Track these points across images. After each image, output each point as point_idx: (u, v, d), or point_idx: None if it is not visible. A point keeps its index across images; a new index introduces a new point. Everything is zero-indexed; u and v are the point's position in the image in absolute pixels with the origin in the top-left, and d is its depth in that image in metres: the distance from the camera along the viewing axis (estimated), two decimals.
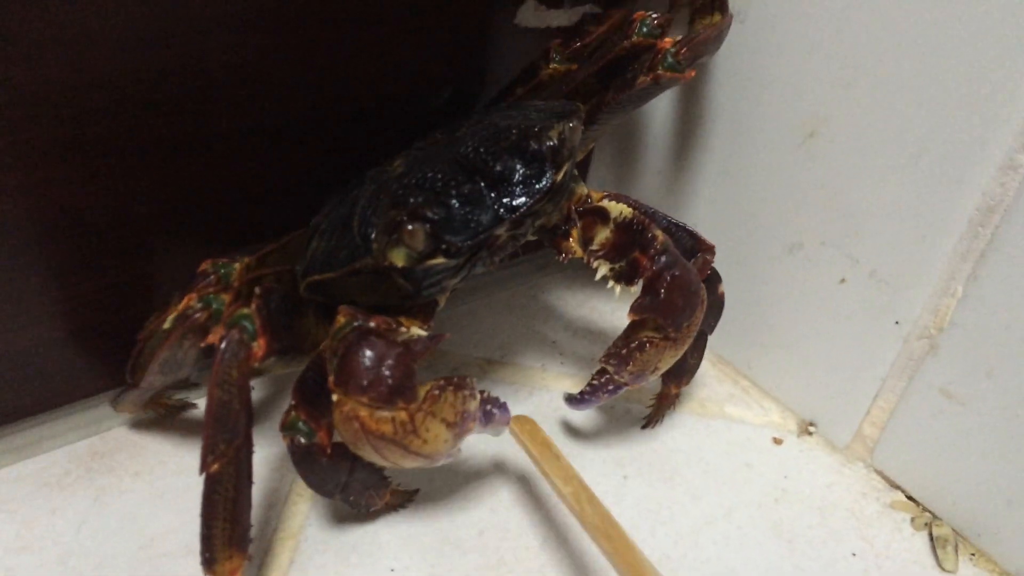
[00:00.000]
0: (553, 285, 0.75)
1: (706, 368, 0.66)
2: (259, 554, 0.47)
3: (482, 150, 0.43)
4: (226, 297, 0.43)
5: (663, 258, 0.47)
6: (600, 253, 0.49)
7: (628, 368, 0.48)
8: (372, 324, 0.40)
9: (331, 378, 0.39)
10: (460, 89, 0.58)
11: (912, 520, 0.54)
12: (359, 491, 0.46)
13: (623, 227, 0.49)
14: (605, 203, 0.50)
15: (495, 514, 0.51)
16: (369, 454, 0.40)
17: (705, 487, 0.54)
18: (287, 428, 0.41)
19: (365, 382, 0.38)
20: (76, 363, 0.52)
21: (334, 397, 0.39)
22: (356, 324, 0.40)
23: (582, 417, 0.59)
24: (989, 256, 0.47)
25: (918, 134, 0.48)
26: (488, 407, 0.43)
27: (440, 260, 0.42)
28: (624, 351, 0.48)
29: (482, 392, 0.43)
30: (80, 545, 0.46)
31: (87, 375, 0.53)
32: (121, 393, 0.51)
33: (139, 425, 0.55)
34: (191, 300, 0.42)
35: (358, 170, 0.50)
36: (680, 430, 0.59)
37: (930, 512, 0.54)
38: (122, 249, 0.50)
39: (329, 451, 0.42)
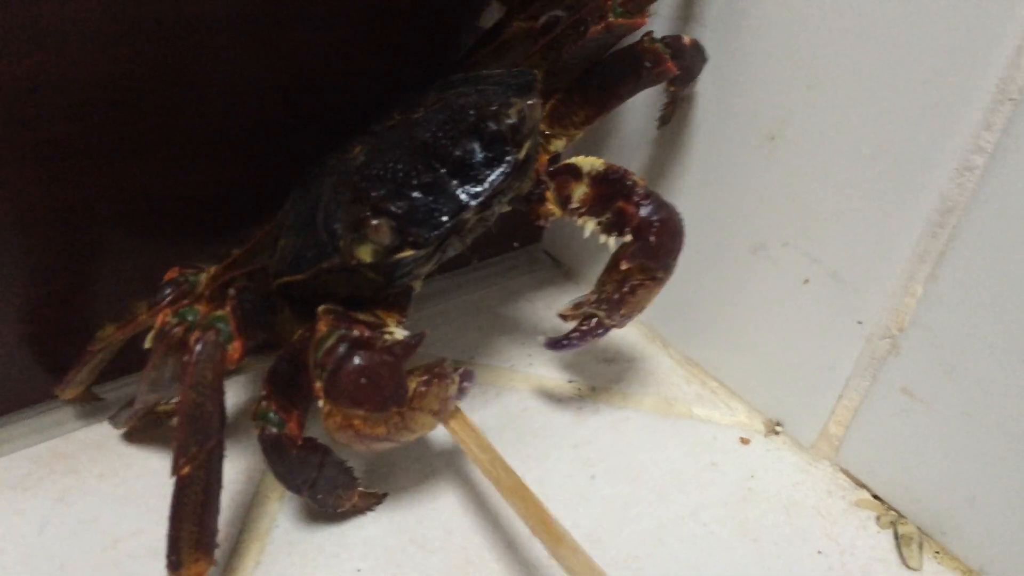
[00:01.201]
0: (521, 287, 0.75)
1: (674, 368, 0.66)
2: (224, 555, 0.46)
3: (440, 135, 0.43)
4: (201, 308, 0.42)
5: (648, 202, 0.48)
6: (582, 209, 0.50)
7: (620, 312, 0.50)
8: (356, 333, 0.40)
9: (320, 387, 0.39)
10: None
11: (878, 518, 0.54)
12: (327, 489, 0.46)
13: (599, 179, 0.49)
14: (575, 160, 0.50)
15: (462, 515, 0.51)
16: (356, 448, 0.42)
17: (671, 487, 0.55)
18: (258, 418, 0.42)
19: (359, 397, 0.39)
20: (36, 366, 0.52)
21: (323, 405, 0.40)
22: (340, 334, 0.40)
23: (549, 417, 0.60)
24: (948, 257, 0.48)
25: (875, 136, 0.49)
26: (463, 383, 0.44)
27: (408, 252, 0.42)
28: (616, 295, 0.50)
29: (456, 368, 0.43)
30: (43, 546, 0.46)
31: (47, 378, 0.52)
32: (119, 412, 0.51)
33: (103, 427, 0.54)
34: (166, 316, 0.42)
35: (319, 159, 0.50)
36: (647, 430, 0.60)
37: (895, 510, 0.55)
38: (79, 251, 0.50)
39: (299, 443, 0.42)
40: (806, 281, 0.55)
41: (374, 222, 0.40)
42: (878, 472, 0.56)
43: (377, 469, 0.54)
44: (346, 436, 0.40)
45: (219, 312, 0.41)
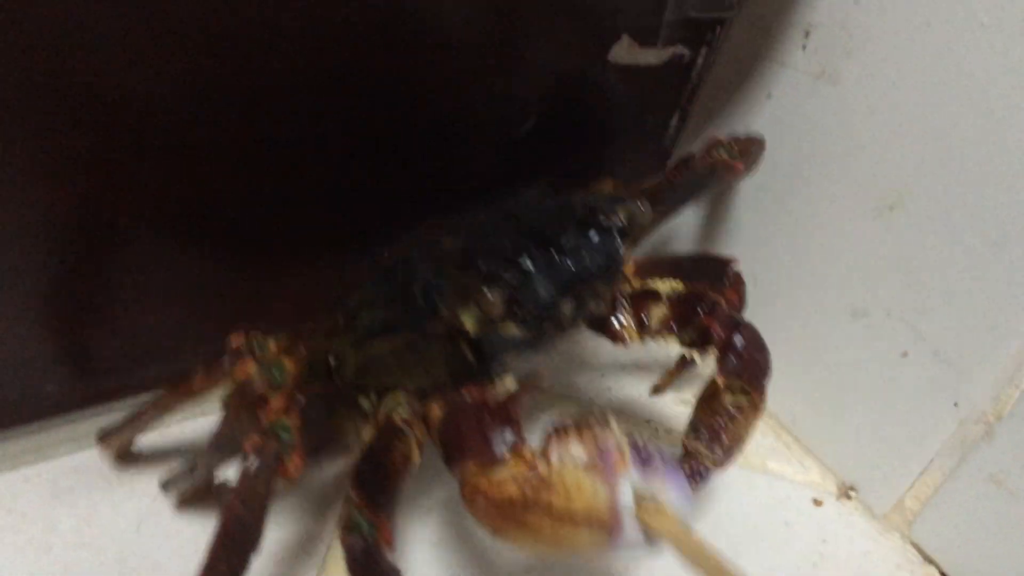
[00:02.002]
0: None
1: None
2: None
3: (550, 223, 0.43)
4: (289, 364, 0.42)
5: (732, 318, 0.48)
6: (662, 329, 0.50)
7: (721, 443, 0.47)
8: (464, 394, 0.40)
9: (449, 464, 0.38)
10: (543, 120, 0.58)
11: None
12: None
13: (679, 300, 0.50)
14: (653, 283, 0.51)
15: (535, 568, 0.51)
16: (518, 535, 0.35)
17: (746, 545, 0.55)
18: (349, 526, 0.38)
19: (465, 448, 0.36)
20: (135, 359, 0.52)
21: (461, 489, 0.37)
22: (449, 402, 0.40)
23: None
24: None
25: (1005, 221, 0.48)
26: (643, 449, 0.34)
27: (510, 327, 0.42)
28: (714, 425, 0.47)
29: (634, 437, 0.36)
30: (140, 545, 0.47)
31: (146, 370, 0.53)
32: (174, 478, 0.49)
33: (195, 423, 0.55)
34: (248, 368, 0.41)
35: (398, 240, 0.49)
36: (722, 481, 0.59)
37: None
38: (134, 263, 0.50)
39: (392, 552, 0.39)
40: (905, 354, 0.55)
41: (486, 291, 0.40)
42: (951, 552, 0.55)
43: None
44: (481, 509, 0.36)
45: (284, 420, 0.39)
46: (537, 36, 0.54)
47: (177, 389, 0.45)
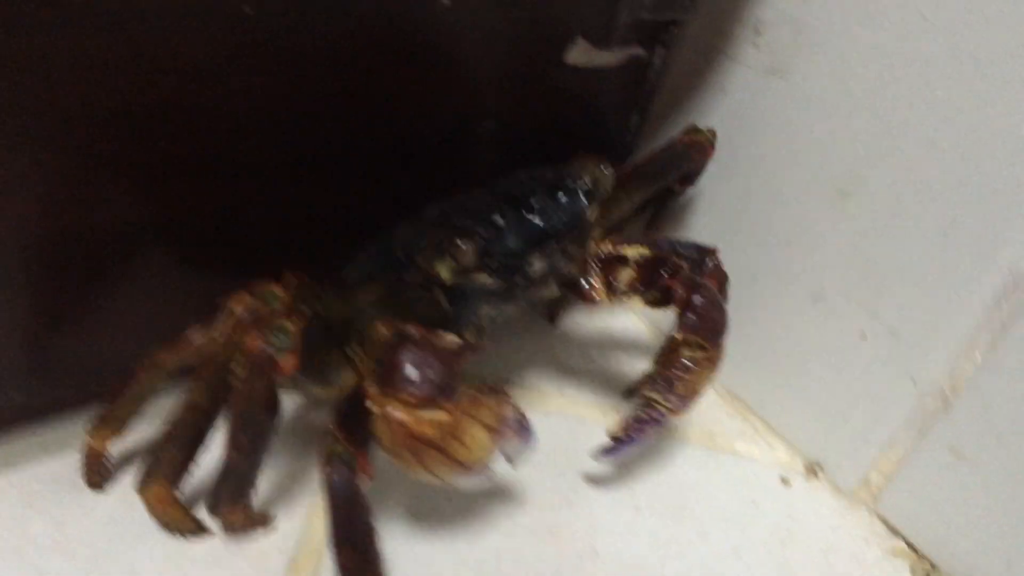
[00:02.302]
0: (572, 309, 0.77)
1: (717, 402, 0.68)
2: (281, 567, 0.48)
3: (522, 188, 0.47)
4: (280, 293, 0.45)
5: (693, 280, 0.51)
6: (629, 291, 0.53)
7: (676, 392, 0.51)
8: (413, 331, 0.42)
9: (372, 387, 0.40)
10: (503, 123, 0.59)
11: (911, 568, 0.55)
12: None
13: (645, 265, 0.53)
14: (622, 249, 0.53)
15: (511, 540, 0.52)
16: (409, 462, 0.41)
17: (714, 524, 0.56)
18: (329, 457, 0.41)
19: (410, 379, 0.39)
20: (107, 363, 0.52)
21: (374, 407, 0.40)
22: (398, 330, 0.41)
23: (596, 444, 0.60)
24: (1010, 329, 0.49)
25: (953, 205, 0.50)
26: (520, 419, 0.43)
27: (482, 277, 0.45)
28: (670, 373, 0.51)
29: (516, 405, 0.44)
30: (112, 549, 0.46)
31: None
32: (216, 494, 0.47)
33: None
34: (245, 301, 0.44)
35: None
36: (691, 463, 0.61)
37: (928, 561, 0.56)
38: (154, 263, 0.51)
39: (369, 479, 0.42)
40: (863, 335, 0.56)
41: (458, 241, 0.43)
42: (916, 523, 0.57)
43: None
44: (394, 434, 0.39)
45: (284, 322, 0.42)
46: (491, 40, 0.55)
47: (173, 347, 0.46)
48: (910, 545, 0.57)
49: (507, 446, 0.43)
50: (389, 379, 0.39)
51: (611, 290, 0.53)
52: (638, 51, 0.62)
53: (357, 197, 0.57)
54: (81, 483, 0.50)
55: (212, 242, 0.52)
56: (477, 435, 0.41)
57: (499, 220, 0.45)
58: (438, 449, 0.40)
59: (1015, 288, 0.48)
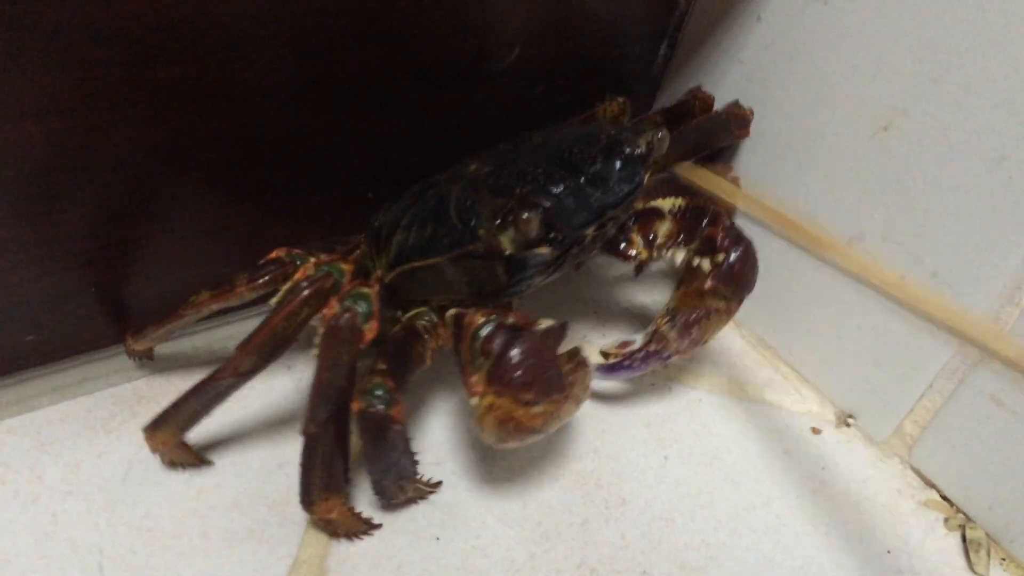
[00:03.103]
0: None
1: (746, 351, 0.66)
2: (299, 530, 0.47)
3: (576, 151, 0.45)
4: (345, 267, 0.43)
5: (736, 232, 0.51)
6: (669, 244, 0.52)
7: (690, 336, 0.51)
8: (512, 320, 0.42)
9: (476, 380, 0.40)
10: (527, 50, 0.56)
11: (946, 520, 0.54)
12: (393, 478, 0.46)
13: (682, 214, 0.52)
14: (655, 203, 0.53)
15: (538, 488, 0.51)
16: (510, 444, 0.42)
17: (744, 473, 0.54)
18: (368, 392, 0.40)
19: (523, 381, 0.39)
20: (118, 306, 0.51)
21: (482, 400, 0.40)
22: (498, 321, 0.41)
23: (624, 391, 0.59)
24: None
25: (1001, 139, 0.47)
26: (598, 372, 0.46)
27: (544, 249, 0.44)
28: (689, 317, 0.51)
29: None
30: (128, 492, 0.46)
31: (128, 318, 0.52)
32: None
33: (183, 371, 0.54)
34: (307, 270, 0.42)
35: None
36: (720, 413, 0.59)
37: (964, 514, 0.54)
38: (173, 197, 0.48)
39: (399, 426, 0.42)
40: (902, 278, 0.54)
41: (524, 215, 0.41)
42: (951, 475, 0.55)
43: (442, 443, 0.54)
44: (505, 430, 0.40)
45: (364, 289, 0.41)
46: None
47: (220, 291, 0.46)
48: (944, 497, 0.55)
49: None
50: (501, 379, 0.39)
51: (650, 245, 0.52)
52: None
53: (381, 128, 0.55)
54: (95, 424, 0.49)
55: (225, 178, 0.50)
56: (571, 410, 0.43)
57: (559, 188, 0.43)
58: (540, 431, 0.41)
59: None
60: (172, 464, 0.47)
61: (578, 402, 0.43)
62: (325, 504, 0.42)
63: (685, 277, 0.53)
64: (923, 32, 0.49)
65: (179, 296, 0.53)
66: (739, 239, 0.51)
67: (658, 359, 0.53)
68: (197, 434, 0.48)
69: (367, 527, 0.46)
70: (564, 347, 0.43)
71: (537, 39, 0.57)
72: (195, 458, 0.48)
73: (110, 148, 0.44)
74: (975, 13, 0.46)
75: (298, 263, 0.45)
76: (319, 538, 0.45)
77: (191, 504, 0.46)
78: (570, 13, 0.57)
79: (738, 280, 0.51)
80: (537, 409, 0.40)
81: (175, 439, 0.45)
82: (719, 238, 0.50)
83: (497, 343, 0.40)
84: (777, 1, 0.58)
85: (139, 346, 0.52)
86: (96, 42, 0.40)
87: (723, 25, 0.62)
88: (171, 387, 0.53)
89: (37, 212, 0.44)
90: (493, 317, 0.41)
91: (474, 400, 0.40)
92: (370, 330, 0.41)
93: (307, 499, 0.42)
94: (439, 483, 0.50)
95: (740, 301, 0.52)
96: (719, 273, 0.50)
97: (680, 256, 0.52)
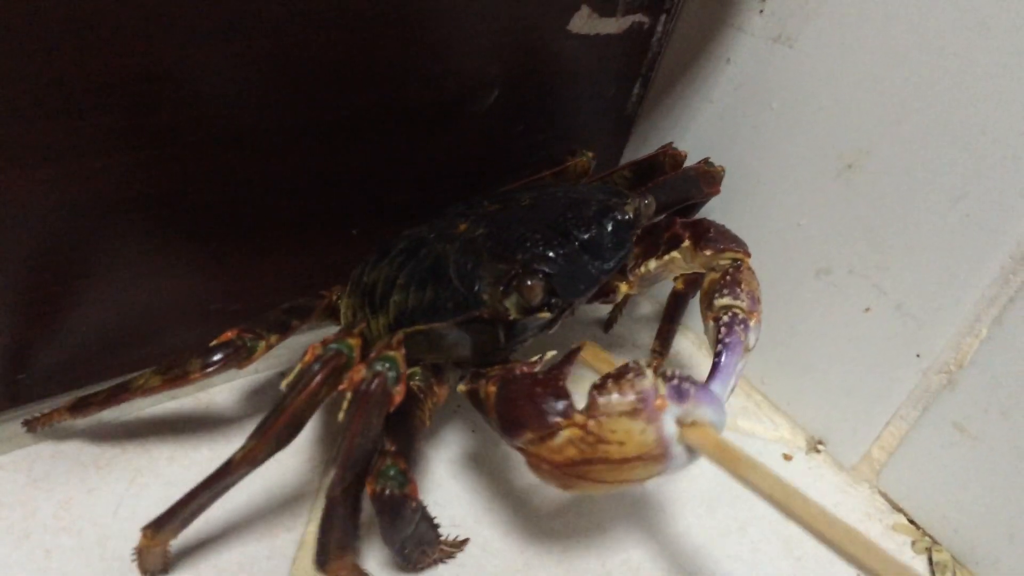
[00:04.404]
0: None
1: None
2: (291, 545, 0.48)
3: (570, 216, 0.46)
4: (354, 343, 0.42)
5: (690, 218, 0.53)
6: (640, 262, 0.53)
7: (743, 290, 0.49)
8: (517, 371, 0.42)
9: (508, 436, 0.41)
10: (506, 91, 0.58)
11: (913, 543, 0.56)
12: (414, 546, 0.46)
13: (641, 238, 0.53)
14: None
15: (520, 517, 0.52)
16: (587, 487, 0.39)
17: (719, 500, 0.56)
18: (380, 476, 0.40)
19: (521, 422, 0.39)
20: (110, 344, 0.52)
21: (526, 460, 0.40)
22: (502, 379, 0.42)
23: None
24: (1017, 303, 0.49)
25: (961, 178, 0.49)
26: (676, 382, 0.38)
27: (544, 314, 0.45)
28: (724, 283, 0.50)
29: (664, 370, 0.38)
30: (119, 528, 0.46)
31: (122, 357, 0.53)
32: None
33: (170, 407, 0.55)
34: (315, 350, 0.41)
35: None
36: None
37: (930, 537, 0.56)
38: (167, 236, 0.50)
39: (415, 502, 0.42)
40: (867, 309, 0.56)
41: (528, 282, 0.43)
42: (918, 499, 0.57)
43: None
44: (548, 475, 0.39)
45: (391, 352, 0.40)
46: (495, 7, 0.54)
47: (171, 375, 0.45)
48: (911, 521, 0.58)
49: (669, 410, 0.37)
50: (505, 432, 0.40)
51: (626, 278, 0.53)
52: (642, 19, 0.61)
53: (367, 167, 0.56)
54: (85, 460, 0.50)
55: (215, 218, 0.51)
56: (621, 426, 0.37)
57: (558, 254, 0.44)
58: (594, 462, 0.37)
59: (1023, 261, 0.48)
60: (143, 567, 0.45)
61: (632, 415, 0.36)
62: (339, 562, 0.42)
63: (702, 282, 0.53)
64: (885, 75, 0.52)
65: (177, 334, 0.54)
66: (697, 220, 0.52)
67: (741, 328, 0.48)
68: None
69: None
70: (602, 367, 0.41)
71: (516, 81, 0.59)
72: (165, 566, 0.46)
73: (104, 193, 0.45)
74: (935, 58, 0.49)
75: (249, 344, 0.45)
76: (307, 570, 0.46)
77: (181, 540, 0.47)
78: (547, 57, 0.59)
79: (725, 235, 0.51)
80: (558, 441, 0.38)
81: (171, 538, 0.43)
82: (677, 228, 0.52)
83: (496, 396, 0.41)
84: (745, 44, 0.61)
85: (77, 418, 0.50)
86: (90, 92, 0.41)
87: (694, 67, 0.65)
88: (161, 424, 0.54)
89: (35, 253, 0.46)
90: (499, 377, 0.42)
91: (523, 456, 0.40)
92: (399, 393, 0.40)
93: (322, 558, 0.42)
94: (466, 540, 0.51)
95: (748, 252, 0.51)
96: (707, 242, 0.51)
97: (653, 265, 0.53)
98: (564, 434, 0.38)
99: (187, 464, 0.51)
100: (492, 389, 0.42)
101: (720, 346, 0.47)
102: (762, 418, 0.64)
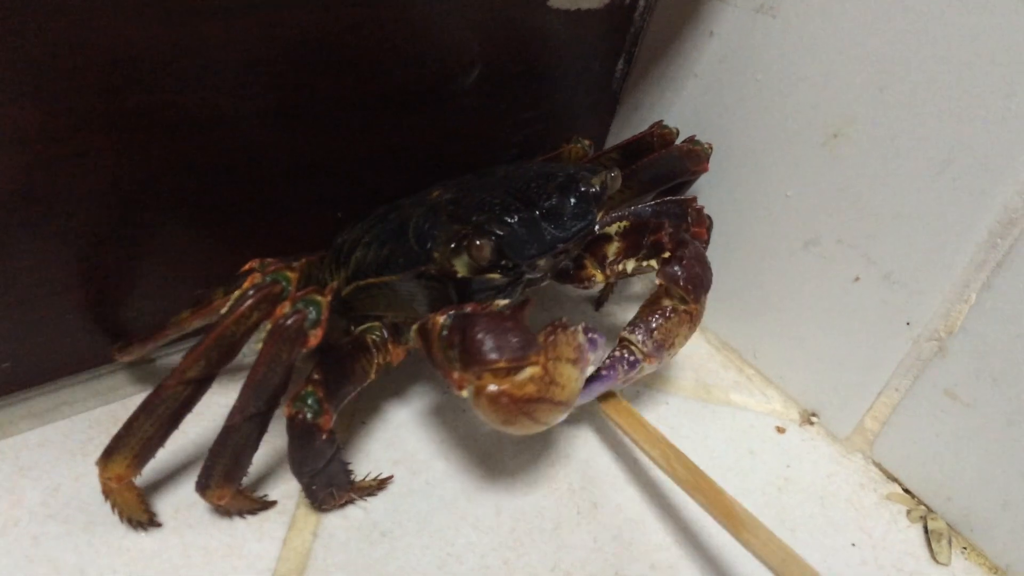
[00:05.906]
0: None
1: (711, 354, 0.67)
2: (281, 527, 0.48)
3: (534, 186, 0.47)
4: (291, 275, 0.44)
5: (678, 234, 0.52)
6: (620, 259, 0.54)
7: (653, 338, 0.51)
8: (468, 309, 0.42)
9: (456, 374, 0.40)
10: (489, 69, 0.58)
11: (908, 512, 0.56)
12: (324, 484, 0.47)
13: (627, 233, 0.54)
14: (604, 228, 0.55)
15: (510, 494, 0.52)
16: (523, 425, 0.41)
17: (712, 473, 0.55)
18: (298, 400, 0.42)
19: (493, 348, 0.39)
20: (95, 330, 0.52)
21: (470, 391, 0.40)
22: (453, 313, 0.42)
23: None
24: (1005, 267, 0.48)
25: (947, 144, 0.49)
26: (590, 335, 0.43)
27: (495, 275, 0.46)
28: (650, 319, 0.51)
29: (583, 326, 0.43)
30: (106, 513, 0.46)
31: (104, 342, 0.52)
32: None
33: None
34: (255, 279, 0.43)
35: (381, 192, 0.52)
36: (687, 416, 0.61)
37: (925, 505, 0.56)
38: (147, 222, 0.49)
39: (326, 434, 0.43)
40: (857, 279, 0.56)
41: (477, 242, 0.43)
42: (911, 468, 0.57)
43: (426, 448, 0.55)
44: (502, 407, 0.40)
45: (317, 296, 0.41)
46: None
47: (199, 308, 0.47)
48: (906, 490, 0.57)
49: (588, 365, 0.43)
50: (473, 357, 0.40)
51: (603, 268, 0.54)
52: None
53: (350, 150, 0.56)
54: (73, 448, 0.50)
55: (196, 202, 0.51)
56: (566, 371, 0.41)
57: (514, 219, 0.45)
58: (542, 400, 0.40)
59: (1010, 225, 0.47)
60: (124, 515, 0.46)
61: (574, 363, 0.41)
62: (219, 492, 0.44)
63: (649, 296, 0.54)
64: (869, 43, 0.51)
65: (155, 319, 0.54)
66: (683, 239, 0.51)
67: (626, 367, 0.52)
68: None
69: (261, 505, 0.49)
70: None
71: (497, 58, 0.58)
72: (146, 513, 0.46)
73: (82, 177, 0.45)
74: (918, 24, 0.49)
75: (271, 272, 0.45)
76: (297, 553, 0.46)
77: (169, 522, 0.47)
78: (528, 33, 0.58)
79: (689, 276, 0.51)
80: (523, 376, 0.39)
81: (130, 473, 0.44)
82: (664, 241, 0.52)
83: (457, 329, 0.40)
84: (728, 16, 0.60)
85: (126, 359, 0.53)
86: (65, 74, 0.41)
87: (677, 41, 0.64)
88: None
89: (11, 241, 0.45)
90: (451, 312, 0.42)
91: (464, 394, 0.40)
92: (315, 336, 0.41)
93: (204, 483, 0.44)
94: (388, 479, 0.52)
95: (698, 301, 0.52)
96: (667, 273, 0.51)
97: (631, 266, 0.53)
98: (528, 371, 0.40)
99: (173, 449, 0.51)
100: (439, 319, 0.42)
101: (602, 369, 0.51)
102: (754, 392, 0.64)
